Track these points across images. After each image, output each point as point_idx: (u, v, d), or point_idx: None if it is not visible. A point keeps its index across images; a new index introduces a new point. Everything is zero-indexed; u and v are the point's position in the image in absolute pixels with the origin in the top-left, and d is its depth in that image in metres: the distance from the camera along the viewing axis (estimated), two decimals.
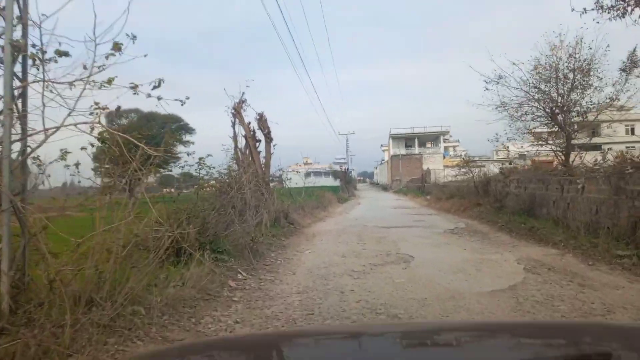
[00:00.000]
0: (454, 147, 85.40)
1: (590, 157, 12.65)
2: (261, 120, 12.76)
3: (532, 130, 13.93)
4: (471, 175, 21.55)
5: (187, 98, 4.84)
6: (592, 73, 11.95)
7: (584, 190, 10.77)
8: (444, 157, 67.82)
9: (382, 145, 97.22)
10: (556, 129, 13.12)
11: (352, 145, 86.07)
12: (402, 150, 70.40)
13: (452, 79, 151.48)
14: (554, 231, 10.18)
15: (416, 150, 70.13)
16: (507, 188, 17.58)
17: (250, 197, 9.40)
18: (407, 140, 72.40)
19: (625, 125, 38.32)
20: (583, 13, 7.11)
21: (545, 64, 12.45)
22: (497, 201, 18.15)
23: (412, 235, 11.47)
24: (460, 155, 20.81)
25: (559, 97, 12.48)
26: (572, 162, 13.04)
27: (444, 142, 75.43)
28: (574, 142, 13.36)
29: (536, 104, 12.95)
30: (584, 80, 12.10)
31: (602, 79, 12.02)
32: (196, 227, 7.06)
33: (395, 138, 72.18)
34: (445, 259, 8.06)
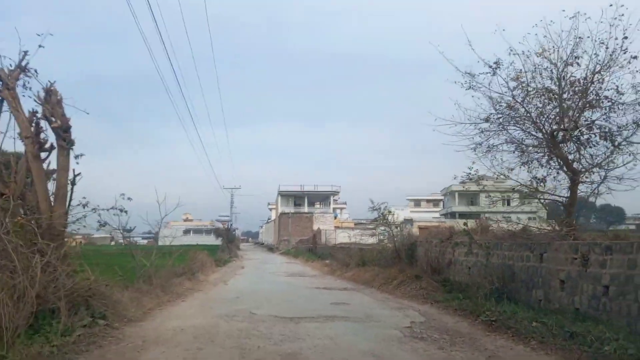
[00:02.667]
0: (341, 209, 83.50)
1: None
2: (49, 101, 6.20)
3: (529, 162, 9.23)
4: (388, 236, 16.80)
5: None
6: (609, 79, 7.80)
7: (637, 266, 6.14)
8: (335, 218, 64.42)
9: (269, 204, 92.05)
10: (556, 163, 8.56)
11: (237, 204, 78.94)
12: (292, 209, 66.02)
13: (342, 147, 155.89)
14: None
15: (305, 209, 66.26)
16: (449, 254, 12.89)
17: None
18: (297, 198, 68.51)
19: None
20: None
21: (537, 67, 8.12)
22: (435, 272, 13.36)
23: (354, 352, 5.63)
24: (378, 207, 15.98)
25: (563, 113, 8.00)
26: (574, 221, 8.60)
27: (333, 203, 72.85)
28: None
29: (528, 125, 8.41)
30: (597, 94, 7.92)
31: (623, 93, 7.97)
32: None
33: (285, 195, 67.84)
34: None
